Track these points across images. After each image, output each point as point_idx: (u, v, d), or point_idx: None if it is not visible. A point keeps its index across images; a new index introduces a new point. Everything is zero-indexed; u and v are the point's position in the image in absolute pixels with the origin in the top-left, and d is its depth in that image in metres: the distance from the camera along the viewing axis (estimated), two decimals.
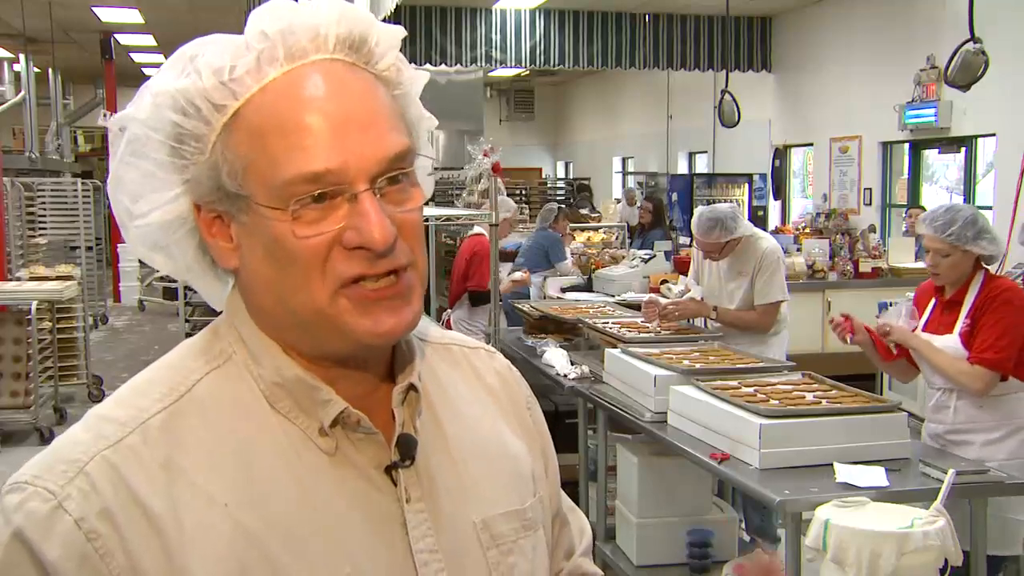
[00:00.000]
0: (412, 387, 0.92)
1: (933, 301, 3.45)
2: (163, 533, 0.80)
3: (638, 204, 11.97)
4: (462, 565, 0.91)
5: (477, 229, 6.27)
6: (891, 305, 3.51)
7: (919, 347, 3.31)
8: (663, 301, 4.72)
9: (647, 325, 4.61)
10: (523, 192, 16.21)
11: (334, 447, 0.88)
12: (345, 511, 0.86)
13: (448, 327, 6.16)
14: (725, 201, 10.56)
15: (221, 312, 0.95)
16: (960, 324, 3.24)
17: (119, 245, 13.75)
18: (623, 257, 8.45)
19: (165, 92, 0.85)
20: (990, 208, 9.47)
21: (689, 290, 4.88)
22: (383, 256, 0.83)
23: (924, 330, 3.41)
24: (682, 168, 16.46)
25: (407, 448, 0.90)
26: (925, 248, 3.49)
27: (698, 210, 4.65)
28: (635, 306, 5.97)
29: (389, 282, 0.85)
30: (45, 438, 6.75)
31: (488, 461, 0.98)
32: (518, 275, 6.29)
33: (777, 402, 3.07)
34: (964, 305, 3.25)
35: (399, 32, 0.93)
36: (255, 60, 0.84)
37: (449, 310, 6.41)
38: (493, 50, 12.27)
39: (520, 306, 5.77)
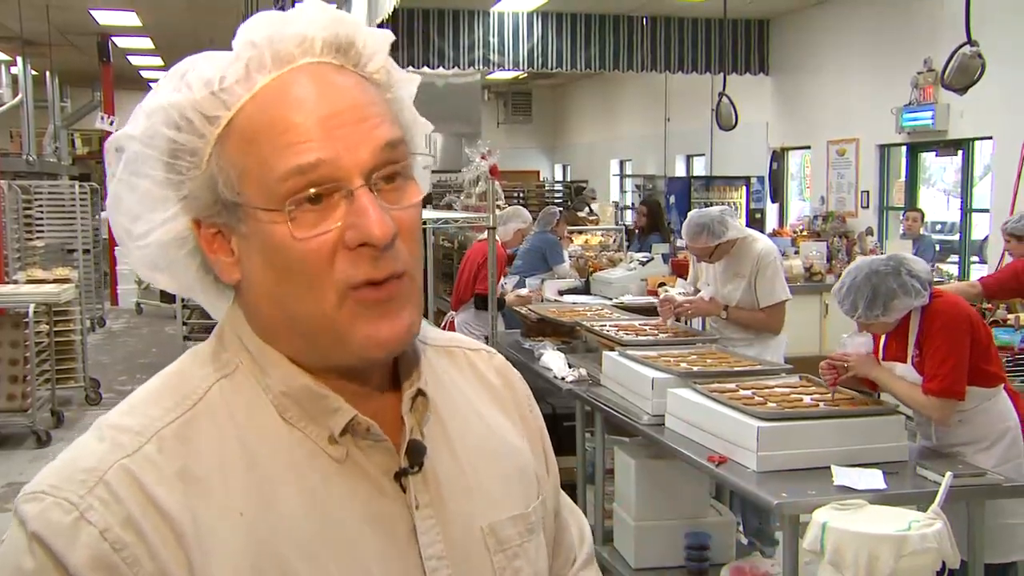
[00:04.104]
0: (420, 392, 0.92)
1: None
2: (184, 540, 0.80)
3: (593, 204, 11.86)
4: (469, 570, 0.91)
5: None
6: (848, 336, 3.42)
7: (879, 378, 3.27)
8: (679, 299, 4.73)
9: (644, 327, 4.61)
10: (521, 195, 16.22)
11: (344, 455, 0.88)
12: (356, 519, 0.86)
13: (451, 330, 6.18)
14: (723, 203, 10.57)
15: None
16: (911, 354, 3.22)
17: (116, 248, 13.74)
18: (621, 260, 8.45)
19: (158, 108, 0.86)
20: (987, 211, 9.49)
21: (699, 291, 4.89)
22: (385, 251, 0.83)
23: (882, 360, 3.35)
24: (680, 171, 16.47)
25: (416, 454, 0.90)
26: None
27: (688, 215, 4.67)
28: (633, 309, 5.98)
29: (387, 287, 0.85)
30: (42, 441, 6.74)
31: (493, 463, 0.98)
32: (525, 291, 6.29)
33: (775, 405, 3.07)
34: (911, 333, 3.22)
35: (387, 36, 0.93)
36: (244, 68, 0.85)
37: (453, 312, 6.40)
38: (491, 53, 12.28)
39: (518, 309, 5.77)
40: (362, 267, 0.83)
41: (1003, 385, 3.27)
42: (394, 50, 0.95)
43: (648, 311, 5.74)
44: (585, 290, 7.71)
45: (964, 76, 6.43)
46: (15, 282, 7.88)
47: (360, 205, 0.82)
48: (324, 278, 0.83)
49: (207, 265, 0.91)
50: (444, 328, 6.19)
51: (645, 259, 7.92)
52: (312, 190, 0.82)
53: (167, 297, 12.15)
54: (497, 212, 5.52)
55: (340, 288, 0.83)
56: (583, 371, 4.31)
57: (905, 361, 3.24)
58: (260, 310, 0.89)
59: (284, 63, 0.85)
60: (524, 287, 6.46)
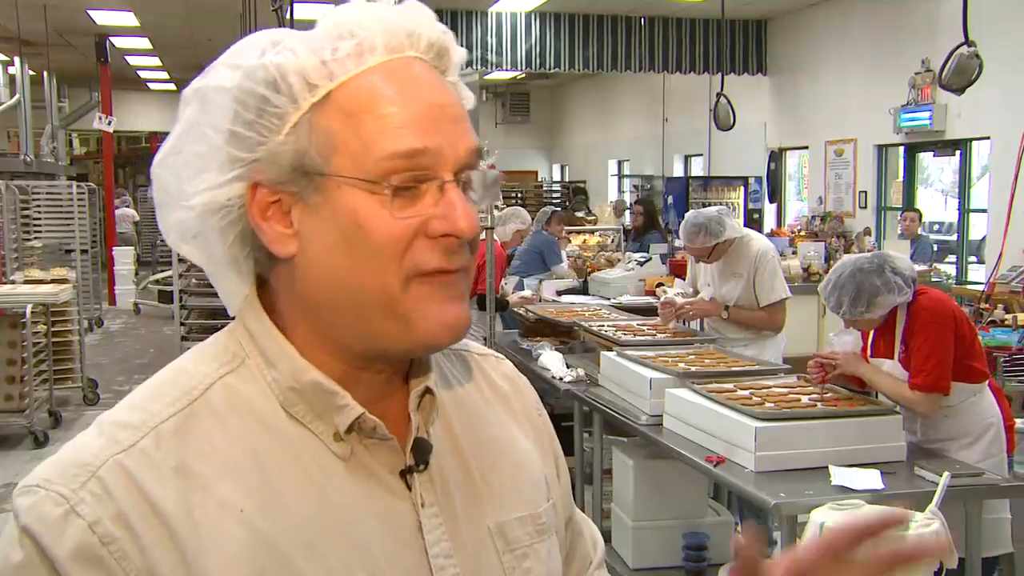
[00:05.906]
0: (428, 391, 0.92)
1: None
2: (178, 537, 0.79)
3: (627, 208, 11.93)
4: (478, 570, 0.90)
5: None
6: (834, 335, 3.50)
7: (865, 374, 3.31)
8: (680, 300, 4.74)
9: (642, 328, 4.62)
10: (519, 195, 16.24)
11: (349, 452, 0.87)
12: (361, 516, 0.86)
13: None
14: (721, 204, 10.58)
15: (224, 315, 0.95)
16: (897, 350, 3.27)
17: (114, 248, 13.73)
18: (619, 260, 8.45)
19: (259, 65, 0.85)
20: (985, 211, 9.50)
21: (698, 291, 4.90)
22: (464, 246, 0.85)
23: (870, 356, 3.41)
24: (678, 171, 16.49)
25: (422, 452, 0.90)
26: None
27: (686, 215, 4.68)
28: (631, 309, 5.98)
29: (455, 277, 0.86)
30: (39, 442, 6.73)
31: (502, 466, 0.97)
32: (527, 292, 6.29)
33: (772, 405, 3.08)
34: (897, 329, 3.28)
35: (464, 53, 0.95)
36: (356, 46, 0.86)
37: None
38: (489, 53, 12.28)
39: (517, 310, 5.77)
40: (436, 256, 0.84)
41: (987, 382, 3.31)
42: None
43: (646, 311, 5.75)
44: (583, 290, 7.72)
45: (962, 76, 6.43)
46: (13, 282, 7.87)
47: (449, 198, 0.84)
48: (395, 261, 0.83)
49: (243, 239, 0.90)
50: None
51: (643, 259, 7.93)
52: (411, 174, 0.83)
53: (165, 297, 12.15)
54: (496, 213, 5.52)
55: (407, 274, 0.83)
56: (581, 371, 4.31)
57: (892, 358, 3.29)
58: (307, 287, 0.87)
59: (394, 51, 0.87)
60: (522, 288, 6.46)
